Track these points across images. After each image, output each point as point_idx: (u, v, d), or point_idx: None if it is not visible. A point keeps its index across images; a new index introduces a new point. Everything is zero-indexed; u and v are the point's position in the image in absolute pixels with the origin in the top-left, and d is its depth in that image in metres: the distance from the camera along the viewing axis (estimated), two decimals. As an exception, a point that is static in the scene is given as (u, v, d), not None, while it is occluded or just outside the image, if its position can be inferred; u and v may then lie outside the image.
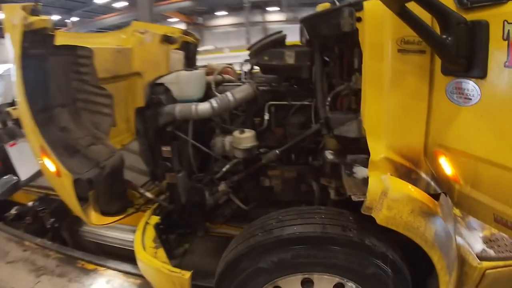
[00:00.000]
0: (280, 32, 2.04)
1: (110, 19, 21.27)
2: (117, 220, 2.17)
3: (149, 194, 2.31)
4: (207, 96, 2.10)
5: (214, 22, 25.84)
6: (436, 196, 1.46)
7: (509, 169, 1.14)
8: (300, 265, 1.47)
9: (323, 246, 1.43)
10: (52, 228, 2.84)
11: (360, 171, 1.52)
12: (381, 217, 1.32)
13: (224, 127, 2.13)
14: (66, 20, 20.73)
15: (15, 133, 3.42)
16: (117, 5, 21.23)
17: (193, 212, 2.20)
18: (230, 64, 2.47)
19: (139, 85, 2.61)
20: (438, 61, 1.31)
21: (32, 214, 2.91)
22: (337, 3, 1.91)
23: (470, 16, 1.14)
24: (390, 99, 1.42)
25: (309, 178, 2.08)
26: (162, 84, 2.05)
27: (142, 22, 3.03)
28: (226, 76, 2.33)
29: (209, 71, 2.23)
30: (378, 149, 1.48)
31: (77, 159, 2.02)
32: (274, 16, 23.87)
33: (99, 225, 2.10)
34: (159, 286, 1.93)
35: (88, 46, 2.16)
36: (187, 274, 1.69)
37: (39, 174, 3.12)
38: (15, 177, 3.24)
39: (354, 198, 1.35)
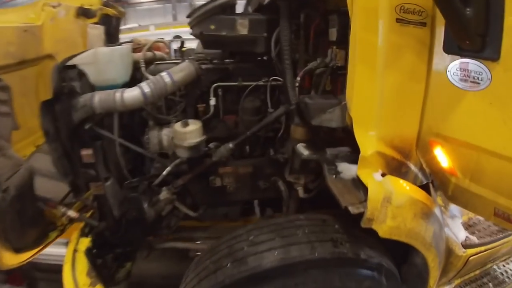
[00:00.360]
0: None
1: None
2: (38, 252, 1.76)
3: (72, 213, 1.82)
4: (135, 79, 1.66)
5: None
6: (425, 189, 1.36)
7: (520, 163, 1.06)
8: None
9: (314, 272, 1.21)
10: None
11: (346, 170, 1.33)
12: (384, 229, 1.16)
13: (160, 117, 1.72)
14: None
15: None
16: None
17: (130, 229, 1.78)
18: (162, 38, 2.00)
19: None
20: (439, 37, 1.16)
21: None
22: None
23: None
24: (384, 80, 1.23)
25: (268, 173, 1.84)
26: (74, 66, 1.52)
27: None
28: (158, 53, 1.88)
29: (136, 47, 1.75)
30: (368, 142, 1.29)
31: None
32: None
33: (15, 265, 1.64)
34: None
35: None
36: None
37: None
38: None
39: (353, 210, 1.15)
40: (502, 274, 1.72)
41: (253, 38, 1.62)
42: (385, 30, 1.17)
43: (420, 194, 1.26)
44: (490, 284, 1.66)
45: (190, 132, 1.62)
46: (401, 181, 1.24)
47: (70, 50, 1.90)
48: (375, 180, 1.21)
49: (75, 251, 1.76)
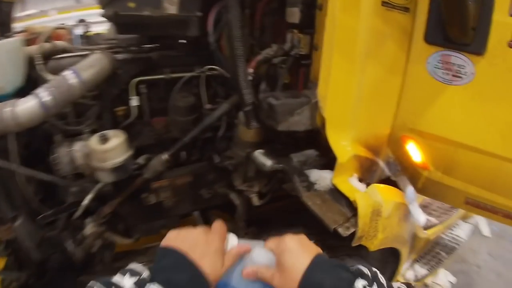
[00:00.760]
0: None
1: None
2: None
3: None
4: (30, 81, 1.19)
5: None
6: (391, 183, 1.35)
7: (495, 156, 1.11)
8: None
9: None
10: None
11: (320, 179, 1.20)
12: (375, 243, 1.11)
13: (68, 129, 1.30)
14: None
15: None
16: None
17: (56, 274, 1.38)
18: (63, 24, 1.47)
19: None
20: (420, 25, 1.09)
21: None
22: None
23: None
24: (364, 73, 1.11)
25: (212, 179, 1.62)
26: None
27: None
28: (60, 44, 1.37)
29: (31, 37, 1.24)
30: (344, 146, 1.19)
31: None
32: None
33: None
34: None
35: None
36: None
37: None
38: None
39: (344, 232, 1.04)
40: (451, 241, 1.92)
41: (184, 19, 1.30)
42: (369, 14, 1.04)
43: (399, 195, 1.24)
44: (443, 253, 1.84)
45: (112, 149, 1.27)
46: (383, 186, 1.19)
47: None
48: (359, 191, 1.13)
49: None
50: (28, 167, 1.25)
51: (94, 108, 1.34)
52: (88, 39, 1.52)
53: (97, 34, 1.48)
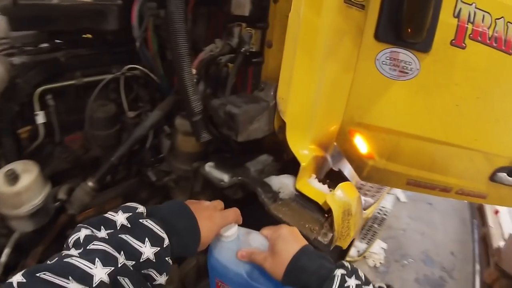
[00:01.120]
0: None
1: None
2: None
3: None
4: None
5: None
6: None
7: (435, 142, 1.27)
8: None
9: None
10: None
11: (282, 186, 1.17)
12: (348, 240, 1.16)
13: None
14: None
15: None
16: None
17: None
18: None
19: None
20: (371, 22, 1.12)
21: None
22: None
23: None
24: (324, 71, 1.11)
25: (145, 197, 1.44)
26: None
27: None
28: None
29: None
30: (304, 149, 1.19)
31: None
32: None
33: None
34: None
35: None
36: None
37: None
38: None
39: (323, 240, 1.05)
40: (379, 213, 2.14)
41: (101, 8, 1.06)
42: (333, 11, 1.03)
43: (354, 188, 1.31)
44: (375, 225, 2.04)
45: (25, 189, 0.99)
46: (344, 184, 1.23)
47: None
48: (326, 194, 1.15)
49: None
50: None
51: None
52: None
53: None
